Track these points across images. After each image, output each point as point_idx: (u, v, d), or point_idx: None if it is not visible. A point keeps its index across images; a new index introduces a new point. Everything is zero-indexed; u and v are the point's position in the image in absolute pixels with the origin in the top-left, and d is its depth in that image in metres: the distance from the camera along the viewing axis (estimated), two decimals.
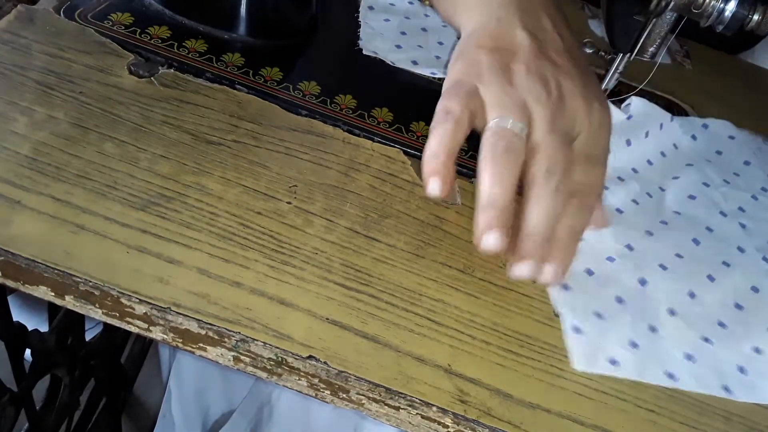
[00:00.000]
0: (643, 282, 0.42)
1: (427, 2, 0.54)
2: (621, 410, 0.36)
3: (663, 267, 0.43)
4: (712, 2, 0.44)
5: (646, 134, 0.52)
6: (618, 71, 0.54)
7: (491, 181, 0.35)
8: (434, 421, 0.34)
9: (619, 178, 0.49)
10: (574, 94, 0.38)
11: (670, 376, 0.38)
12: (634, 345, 0.39)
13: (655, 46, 0.50)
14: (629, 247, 0.44)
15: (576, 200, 0.38)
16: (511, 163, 0.36)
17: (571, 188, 0.37)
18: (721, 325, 0.41)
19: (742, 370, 0.40)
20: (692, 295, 0.42)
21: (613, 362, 0.37)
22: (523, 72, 0.38)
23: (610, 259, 0.43)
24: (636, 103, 0.52)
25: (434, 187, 0.36)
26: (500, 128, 0.36)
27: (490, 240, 0.35)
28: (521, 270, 0.36)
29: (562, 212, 0.37)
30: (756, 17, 0.44)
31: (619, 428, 0.35)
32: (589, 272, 0.42)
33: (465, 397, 0.34)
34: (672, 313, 0.41)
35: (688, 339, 0.40)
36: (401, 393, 0.34)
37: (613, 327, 0.39)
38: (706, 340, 0.40)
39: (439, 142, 0.36)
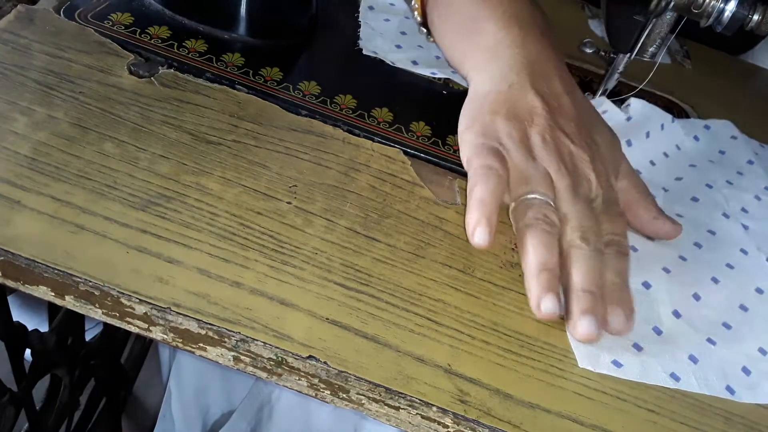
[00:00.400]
0: (647, 285, 0.42)
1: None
2: (621, 410, 0.36)
3: (666, 270, 0.43)
4: (712, 2, 0.44)
5: (647, 135, 0.52)
6: (618, 71, 0.54)
7: (538, 248, 0.38)
8: (434, 421, 0.34)
9: None
10: (583, 162, 0.42)
11: (674, 377, 0.38)
12: (638, 348, 0.39)
13: (655, 46, 0.50)
14: (633, 249, 0.44)
15: (612, 248, 0.40)
16: (550, 229, 0.38)
17: (603, 241, 0.40)
18: (726, 326, 0.41)
19: (745, 371, 0.39)
20: (697, 297, 0.42)
21: (617, 364, 0.37)
22: (540, 143, 0.41)
23: None
24: (635, 104, 0.52)
25: (481, 235, 0.38)
26: (533, 199, 0.39)
27: (548, 304, 0.37)
28: (584, 325, 0.37)
29: (604, 264, 0.39)
30: (756, 17, 0.44)
31: (619, 428, 0.35)
32: None
33: (465, 397, 0.34)
34: (676, 315, 0.41)
35: (693, 341, 0.40)
36: (401, 393, 0.34)
37: None
38: (710, 341, 0.40)
39: (485, 191, 0.38)
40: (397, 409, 0.34)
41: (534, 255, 0.38)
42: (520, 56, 0.45)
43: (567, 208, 0.40)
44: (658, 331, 0.40)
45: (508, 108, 0.42)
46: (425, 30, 0.54)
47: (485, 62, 0.46)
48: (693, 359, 0.39)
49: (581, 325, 0.37)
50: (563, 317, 0.38)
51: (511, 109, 0.42)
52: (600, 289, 0.38)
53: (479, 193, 0.39)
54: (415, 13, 0.54)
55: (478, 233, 0.38)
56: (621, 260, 0.40)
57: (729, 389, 0.38)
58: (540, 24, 0.48)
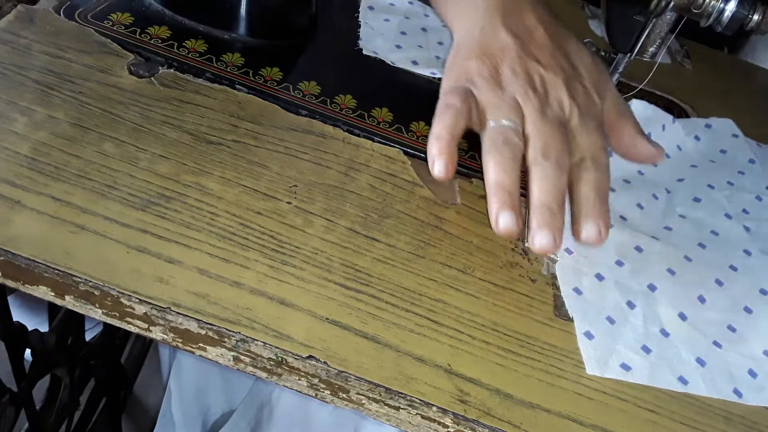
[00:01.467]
0: (652, 288, 0.42)
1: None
2: (621, 410, 0.36)
3: (671, 272, 0.43)
4: (712, 2, 0.44)
5: (649, 136, 0.52)
6: (618, 71, 0.54)
7: (496, 169, 0.38)
8: (434, 421, 0.34)
9: (625, 181, 0.49)
10: (556, 84, 0.42)
11: (682, 380, 0.38)
12: (647, 350, 0.39)
13: (655, 46, 0.50)
14: (638, 249, 0.44)
15: (587, 162, 0.40)
16: (511, 152, 0.39)
17: (578, 157, 0.40)
18: (731, 329, 0.41)
19: (752, 373, 0.39)
20: (702, 299, 0.42)
21: (626, 367, 0.37)
22: (509, 74, 0.42)
23: (619, 263, 0.43)
24: (637, 105, 0.52)
25: (440, 167, 0.38)
26: (497, 126, 0.40)
27: (505, 219, 0.37)
28: (538, 238, 0.37)
29: (579, 178, 0.40)
30: (756, 17, 0.44)
31: (619, 428, 0.35)
32: (600, 277, 0.42)
33: (465, 397, 0.34)
34: (683, 317, 0.41)
35: (699, 343, 0.40)
36: (401, 393, 0.34)
37: (625, 332, 0.39)
38: (716, 344, 0.40)
39: (443, 126, 0.39)
40: (397, 409, 0.34)
41: (492, 175, 0.38)
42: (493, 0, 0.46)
43: (531, 128, 0.40)
44: (665, 334, 0.40)
45: (480, 50, 0.43)
46: None
47: (461, 11, 0.47)
48: (700, 362, 0.39)
49: (536, 239, 0.37)
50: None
51: (483, 50, 0.43)
52: (560, 205, 0.38)
53: (434, 128, 0.39)
54: None
55: (436, 166, 0.39)
56: (597, 173, 0.40)
57: (736, 392, 0.38)
58: None
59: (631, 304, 0.41)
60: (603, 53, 0.55)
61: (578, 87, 0.43)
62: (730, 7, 0.44)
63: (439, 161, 0.39)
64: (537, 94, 0.41)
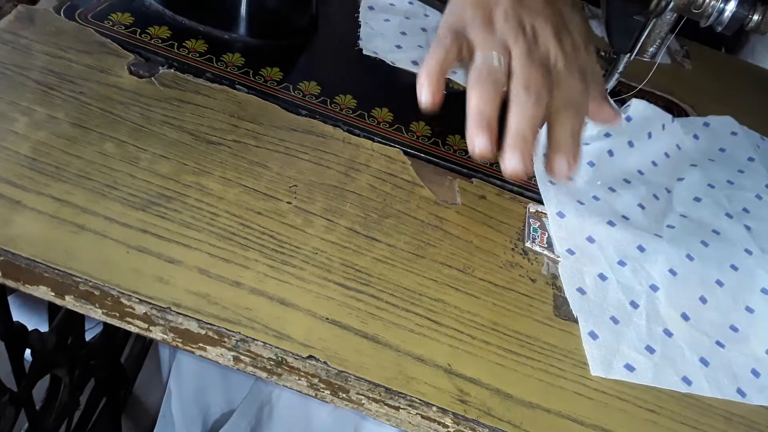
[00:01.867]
0: (654, 288, 0.42)
1: None
2: (621, 410, 0.36)
3: (672, 272, 0.43)
4: (712, 2, 0.44)
5: (649, 135, 0.52)
6: (618, 71, 0.54)
7: (477, 99, 0.40)
8: (434, 421, 0.34)
9: (626, 181, 0.49)
10: (546, 31, 0.44)
11: (686, 381, 0.38)
12: (651, 349, 0.39)
13: (654, 46, 0.50)
14: (640, 249, 0.44)
15: (570, 109, 0.42)
16: (492, 84, 0.41)
17: (561, 104, 0.42)
18: (733, 328, 0.42)
19: (755, 373, 0.40)
20: (704, 300, 0.42)
21: (630, 368, 0.37)
22: (501, 18, 0.44)
23: (621, 263, 0.43)
24: (636, 105, 0.52)
25: (427, 95, 0.40)
26: (483, 61, 0.42)
27: (481, 142, 0.39)
28: (511, 160, 0.39)
29: (559, 122, 0.42)
30: (756, 17, 0.44)
31: (619, 428, 0.35)
32: (602, 277, 0.42)
33: (465, 397, 0.34)
34: (685, 318, 0.41)
35: (702, 343, 0.40)
36: (401, 393, 0.34)
37: (629, 332, 0.39)
38: (719, 344, 0.40)
39: (433, 59, 0.41)
40: (397, 409, 0.34)
41: (473, 104, 0.40)
42: None
43: (516, 64, 0.42)
44: (668, 334, 0.40)
45: None
46: None
47: None
48: (704, 362, 0.39)
49: (507, 160, 0.39)
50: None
51: None
52: (533, 134, 0.40)
53: (425, 63, 0.41)
54: None
55: (424, 94, 0.40)
56: (576, 119, 0.42)
57: (740, 392, 0.38)
58: None
59: (634, 304, 0.41)
60: (603, 53, 0.55)
61: (566, 38, 0.45)
62: (730, 7, 0.44)
63: (427, 90, 0.40)
64: (526, 38, 0.43)
